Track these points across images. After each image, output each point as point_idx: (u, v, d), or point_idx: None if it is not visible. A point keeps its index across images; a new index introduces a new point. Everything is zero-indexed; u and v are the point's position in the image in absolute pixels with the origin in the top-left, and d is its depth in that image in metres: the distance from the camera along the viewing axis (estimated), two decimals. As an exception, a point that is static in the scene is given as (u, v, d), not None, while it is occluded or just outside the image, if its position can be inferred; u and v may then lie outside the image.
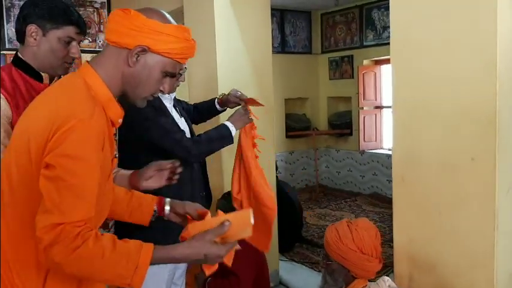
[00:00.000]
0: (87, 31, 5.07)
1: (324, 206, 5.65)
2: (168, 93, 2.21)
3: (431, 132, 1.86)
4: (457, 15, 1.74)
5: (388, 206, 5.46)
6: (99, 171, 1.13)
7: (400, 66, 1.98)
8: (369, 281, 1.96)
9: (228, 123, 2.21)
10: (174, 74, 1.30)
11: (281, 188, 4.07)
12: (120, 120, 1.29)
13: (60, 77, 1.72)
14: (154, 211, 1.49)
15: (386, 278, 1.49)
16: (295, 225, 4.32)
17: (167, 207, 1.48)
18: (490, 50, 1.63)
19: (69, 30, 1.64)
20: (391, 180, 6.31)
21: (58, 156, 1.07)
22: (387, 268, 3.50)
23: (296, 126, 6.40)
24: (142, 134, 2.09)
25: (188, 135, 2.28)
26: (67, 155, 1.07)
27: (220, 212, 1.25)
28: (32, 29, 1.61)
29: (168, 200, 1.51)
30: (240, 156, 2.33)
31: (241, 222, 1.20)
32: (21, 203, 1.17)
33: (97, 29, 5.17)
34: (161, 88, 1.32)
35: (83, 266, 1.06)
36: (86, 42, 5.10)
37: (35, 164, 1.11)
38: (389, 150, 6.06)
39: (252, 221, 1.19)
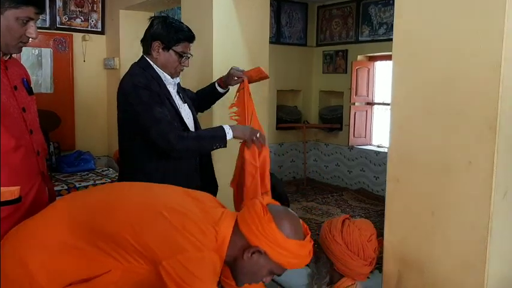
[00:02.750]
0: (80, 10, 4.97)
1: (311, 200, 5.65)
2: (174, 77, 2.23)
3: (429, 133, 1.84)
4: (463, 13, 1.71)
5: (374, 203, 5.49)
6: None
7: (401, 63, 1.95)
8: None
9: (226, 126, 2.15)
10: (279, 274, 1.45)
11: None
12: None
13: (10, 56, 1.68)
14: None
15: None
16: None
17: None
18: (495, 52, 1.60)
19: (29, 11, 1.56)
20: (378, 177, 6.33)
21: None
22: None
23: (287, 118, 6.38)
24: (133, 117, 2.08)
25: (192, 121, 2.29)
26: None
27: None
28: None
29: None
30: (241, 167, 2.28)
31: None
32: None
33: (90, 8, 5.06)
34: (264, 280, 1.45)
35: None
36: (78, 21, 5.00)
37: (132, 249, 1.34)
38: (378, 147, 6.08)
39: None
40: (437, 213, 1.83)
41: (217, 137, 2.12)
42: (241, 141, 2.24)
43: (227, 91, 2.54)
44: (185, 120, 2.22)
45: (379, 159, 5.79)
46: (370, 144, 6.22)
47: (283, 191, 4.57)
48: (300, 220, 1.45)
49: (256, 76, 2.43)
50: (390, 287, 2.01)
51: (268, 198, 1.48)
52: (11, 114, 1.60)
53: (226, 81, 2.48)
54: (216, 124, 3.18)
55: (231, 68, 2.44)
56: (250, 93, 2.39)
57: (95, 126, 5.15)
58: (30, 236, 1.41)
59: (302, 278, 2.16)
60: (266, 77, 2.49)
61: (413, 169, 1.90)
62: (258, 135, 2.18)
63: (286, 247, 1.34)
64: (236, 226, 1.39)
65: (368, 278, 3.22)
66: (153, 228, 1.35)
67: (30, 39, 1.60)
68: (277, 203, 1.51)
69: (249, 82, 2.42)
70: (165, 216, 1.36)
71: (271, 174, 4.41)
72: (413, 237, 1.93)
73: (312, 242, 1.42)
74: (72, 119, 5.03)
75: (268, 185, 2.26)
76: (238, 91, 2.45)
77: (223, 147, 2.14)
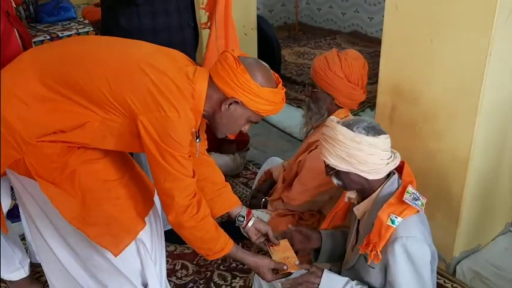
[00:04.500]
0: None
1: (303, 45, 5.53)
2: None
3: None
4: None
5: (367, 45, 5.40)
6: None
7: None
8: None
9: None
10: (256, 122, 1.50)
11: (258, 24, 3.93)
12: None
13: None
14: (242, 216, 1.70)
15: (332, 117, 1.53)
16: (272, 62, 4.26)
17: (251, 223, 1.69)
18: None
19: None
20: (373, 18, 6.13)
21: None
22: (364, 103, 3.58)
23: (277, -44, 5.92)
24: None
25: None
26: None
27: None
28: None
29: (256, 216, 1.72)
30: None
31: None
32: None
33: None
34: (242, 129, 1.51)
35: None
36: None
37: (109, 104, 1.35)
38: (374, -15, 5.76)
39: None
40: (436, 40, 1.77)
41: None
42: None
43: None
44: None
45: (374, -1, 5.53)
46: (365, -17, 5.88)
47: (274, 35, 4.44)
48: (271, 70, 1.48)
49: None
50: (383, 118, 2.05)
51: (238, 51, 1.47)
52: None
53: None
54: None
55: None
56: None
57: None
58: (3, 91, 1.37)
59: (295, 118, 2.21)
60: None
61: (414, -6, 1.79)
62: None
63: (261, 95, 1.38)
64: (210, 81, 1.41)
65: (359, 115, 3.32)
66: (131, 83, 1.34)
67: None
68: (247, 55, 1.49)
69: None
70: (145, 71, 1.34)
71: (262, 19, 4.27)
72: (409, 67, 1.90)
73: (284, 90, 1.47)
74: (43, -37, 4.62)
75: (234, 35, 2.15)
76: None
77: None
